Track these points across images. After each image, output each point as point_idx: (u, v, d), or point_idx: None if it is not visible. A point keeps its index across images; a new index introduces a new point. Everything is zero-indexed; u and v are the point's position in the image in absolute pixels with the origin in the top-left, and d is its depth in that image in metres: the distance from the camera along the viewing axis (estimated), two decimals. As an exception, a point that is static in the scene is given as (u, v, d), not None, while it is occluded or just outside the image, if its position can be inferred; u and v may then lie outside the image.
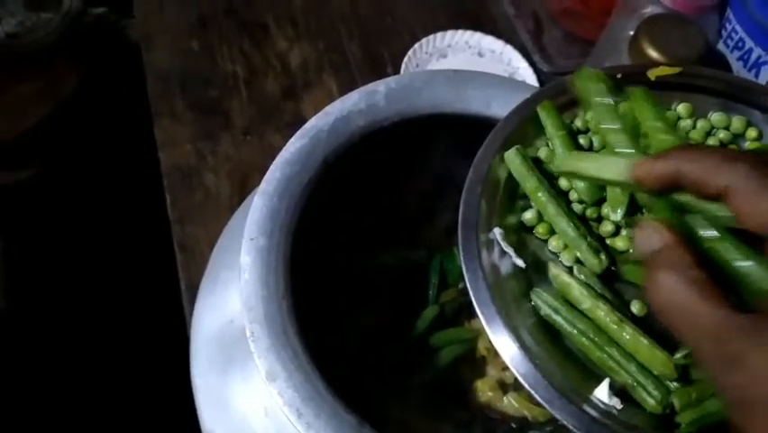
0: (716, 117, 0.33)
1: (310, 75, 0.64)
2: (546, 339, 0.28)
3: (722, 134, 0.32)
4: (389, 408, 0.36)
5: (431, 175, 0.37)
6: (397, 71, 0.64)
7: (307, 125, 0.34)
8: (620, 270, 0.29)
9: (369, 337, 0.38)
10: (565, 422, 0.25)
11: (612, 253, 0.30)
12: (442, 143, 0.37)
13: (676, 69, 0.33)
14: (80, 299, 0.82)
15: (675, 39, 0.51)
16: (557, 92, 0.33)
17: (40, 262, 0.83)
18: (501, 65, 0.65)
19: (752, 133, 0.33)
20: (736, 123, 0.32)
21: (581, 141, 0.33)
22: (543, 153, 0.32)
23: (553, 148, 0.32)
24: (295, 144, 0.34)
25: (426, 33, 0.65)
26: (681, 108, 0.33)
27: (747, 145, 0.33)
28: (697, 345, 0.20)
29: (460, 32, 0.66)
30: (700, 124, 0.33)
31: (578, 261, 0.29)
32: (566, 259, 0.29)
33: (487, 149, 0.31)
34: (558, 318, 0.28)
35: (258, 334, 0.30)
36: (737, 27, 0.54)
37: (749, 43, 0.54)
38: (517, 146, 0.31)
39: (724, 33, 0.56)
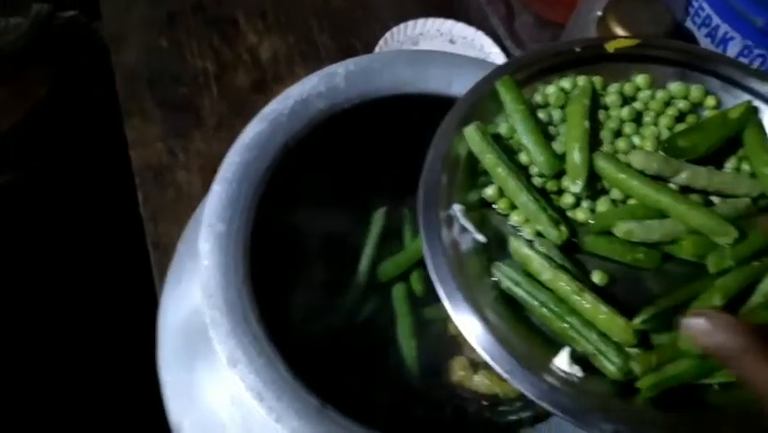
0: (674, 87, 0.33)
1: (281, 68, 0.64)
2: (508, 313, 0.28)
3: (681, 104, 0.32)
4: (358, 390, 0.35)
5: (395, 155, 0.36)
6: (369, 62, 0.64)
7: (266, 109, 0.34)
8: (581, 241, 0.29)
9: (336, 319, 0.38)
10: (526, 392, 0.25)
11: (573, 225, 0.30)
12: (404, 123, 0.37)
13: (634, 42, 0.33)
14: (56, 300, 0.81)
15: (642, 17, 0.52)
16: (517, 68, 0.33)
17: (15, 266, 0.82)
18: (473, 51, 0.65)
19: (710, 101, 0.32)
20: (695, 92, 0.32)
21: (541, 115, 0.32)
22: (503, 129, 0.32)
23: (512, 123, 0.32)
24: (254, 129, 0.33)
25: (398, 22, 0.65)
26: (640, 80, 0.33)
27: (706, 114, 0.33)
28: None
29: (431, 19, 0.65)
30: (659, 94, 0.33)
31: (539, 234, 0.29)
32: (527, 233, 0.29)
33: (446, 126, 0.31)
34: (519, 291, 0.28)
35: (217, 320, 0.29)
36: (704, 4, 0.54)
37: (716, 20, 0.54)
38: (477, 122, 0.30)
39: (691, 11, 0.56)
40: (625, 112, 0.32)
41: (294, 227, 0.36)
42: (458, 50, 0.65)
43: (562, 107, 0.32)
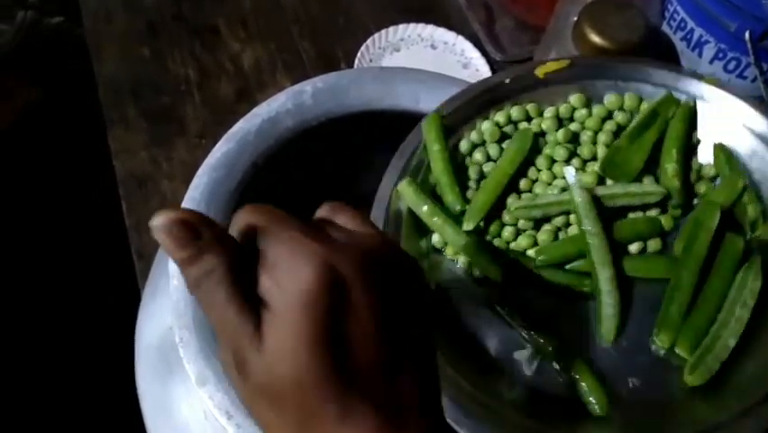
0: (609, 99, 0.33)
1: (264, 75, 0.64)
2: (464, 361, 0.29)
3: (619, 117, 0.33)
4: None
5: (363, 171, 0.37)
6: (351, 67, 0.65)
7: (234, 128, 0.34)
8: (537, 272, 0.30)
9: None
10: None
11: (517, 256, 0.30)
12: (373, 140, 0.37)
13: (563, 64, 0.33)
14: (41, 307, 0.82)
15: (616, 23, 0.52)
16: (452, 109, 0.33)
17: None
18: (454, 56, 0.66)
19: (645, 107, 0.33)
20: (629, 100, 0.33)
21: (477, 156, 0.33)
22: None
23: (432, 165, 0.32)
24: (221, 149, 0.34)
25: (379, 28, 0.65)
26: (574, 99, 0.33)
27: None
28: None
29: (412, 25, 0.66)
30: (596, 110, 0.33)
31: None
32: (476, 274, 0.30)
33: (386, 181, 0.32)
34: None
35: (187, 339, 0.30)
36: (678, 8, 0.55)
37: (691, 24, 0.54)
38: (408, 177, 0.31)
39: (667, 15, 0.57)
40: (560, 135, 0.32)
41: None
42: (439, 55, 0.65)
43: (498, 141, 0.33)
